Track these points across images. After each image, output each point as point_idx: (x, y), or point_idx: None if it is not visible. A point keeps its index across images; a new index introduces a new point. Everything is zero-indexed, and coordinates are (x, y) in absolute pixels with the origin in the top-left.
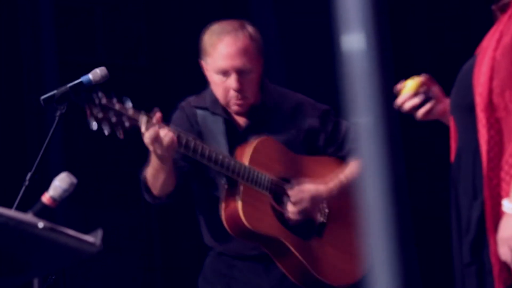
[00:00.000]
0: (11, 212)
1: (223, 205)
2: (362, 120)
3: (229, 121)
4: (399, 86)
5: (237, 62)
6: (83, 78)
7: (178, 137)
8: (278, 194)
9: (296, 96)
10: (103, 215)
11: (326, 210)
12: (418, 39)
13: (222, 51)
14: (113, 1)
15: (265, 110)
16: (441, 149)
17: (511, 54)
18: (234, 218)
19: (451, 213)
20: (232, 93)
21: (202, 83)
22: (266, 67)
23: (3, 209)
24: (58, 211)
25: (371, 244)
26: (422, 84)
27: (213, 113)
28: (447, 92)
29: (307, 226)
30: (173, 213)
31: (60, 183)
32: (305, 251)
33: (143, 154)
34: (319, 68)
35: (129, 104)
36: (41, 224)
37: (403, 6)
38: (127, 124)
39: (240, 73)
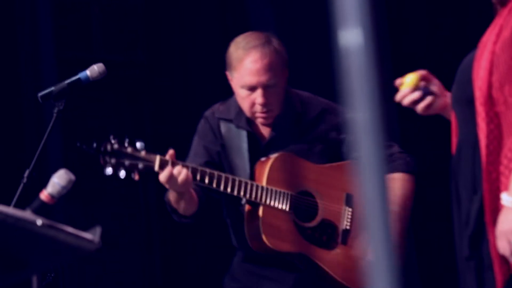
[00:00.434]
0: (9, 210)
1: (245, 226)
2: (360, 115)
3: (252, 134)
4: (398, 81)
5: (263, 78)
6: (80, 75)
7: (192, 171)
8: (300, 210)
9: (320, 102)
10: (101, 212)
11: (350, 216)
12: (416, 34)
13: (248, 67)
14: None
15: (287, 121)
16: (440, 144)
17: (510, 48)
18: (257, 239)
19: (452, 207)
20: (258, 107)
21: (198, 78)
22: None
23: (1, 206)
24: (57, 208)
25: (371, 243)
26: (421, 79)
27: (237, 126)
28: (446, 87)
29: (331, 236)
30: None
31: (58, 180)
32: (331, 261)
33: None
34: (317, 64)
35: (141, 146)
36: (39, 222)
37: (400, 1)
38: (140, 166)
39: (266, 87)
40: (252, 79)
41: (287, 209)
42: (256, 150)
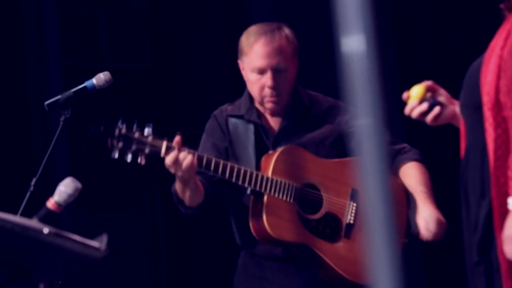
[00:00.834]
0: (16, 218)
1: (250, 215)
2: (364, 121)
3: (260, 127)
4: (405, 95)
5: (273, 61)
6: (87, 83)
7: (198, 158)
8: (304, 202)
9: (328, 99)
10: (108, 220)
11: (354, 211)
12: (421, 40)
13: (258, 50)
14: (117, 5)
15: (297, 114)
16: (446, 149)
17: None
18: (260, 228)
19: (461, 212)
20: (267, 91)
21: (205, 86)
22: None
23: (8, 215)
24: (64, 216)
25: (374, 246)
26: (427, 90)
27: (248, 121)
28: (453, 94)
29: (334, 229)
30: (179, 216)
31: (65, 188)
32: (333, 254)
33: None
34: (319, 70)
35: (149, 131)
36: (46, 230)
37: (405, 7)
38: (147, 150)
39: (276, 71)
40: (262, 62)
41: (291, 200)
42: (265, 143)
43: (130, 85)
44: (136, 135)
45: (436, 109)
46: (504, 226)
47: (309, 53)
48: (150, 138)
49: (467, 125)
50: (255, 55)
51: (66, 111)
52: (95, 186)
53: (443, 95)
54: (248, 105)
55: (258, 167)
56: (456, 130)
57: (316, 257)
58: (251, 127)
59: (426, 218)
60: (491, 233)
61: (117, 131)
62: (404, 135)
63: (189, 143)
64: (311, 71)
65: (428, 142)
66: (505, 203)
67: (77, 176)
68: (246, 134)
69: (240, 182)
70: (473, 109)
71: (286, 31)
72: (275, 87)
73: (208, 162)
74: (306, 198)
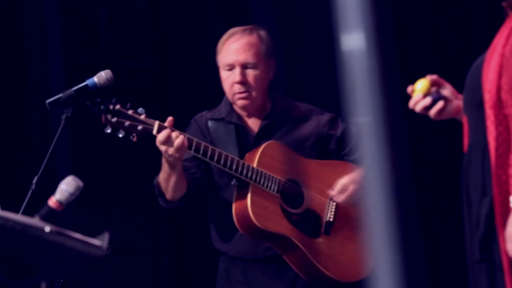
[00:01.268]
0: (18, 216)
1: (233, 205)
2: (364, 119)
3: (241, 127)
4: (409, 88)
5: (241, 56)
6: (88, 81)
7: (188, 139)
8: (287, 195)
9: (305, 105)
10: (110, 219)
11: (334, 209)
12: (422, 38)
13: (228, 47)
14: (118, 3)
15: (275, 116)
16: (448, 147)
17: None
18: (244, 218)
19: (463, 210)
20: (236, 87)
21: (207, 84)
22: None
23: (10, 213)
24: (66, 215)
25: (376, 244)
26: (432, 84)
27: (228, 122)
28: (457, 90)
29: (315, 225)
30: (181, 215)
31: (67, 186)
32: (313, 248)
33: (150, 157)
34: (319, 68)
35: (142, 111)
36: (47, 228)
37: (406, 5)
38: (140, 128)
39: (244, 67)
40: (230, 57)
41: (275, 192)
42: (246, 144)
43: (131, 84)
44: (130, 112)
45: (440, 103)
46: (506, 224)
47: (309, 51)
48: (143, 116)
49: (469, 123)
50: (225, 52)
51: (68, 110)
52: (97, 185)
53: (448, 89)
54: (228, 108)
55: None
56: (458, 128)
57: (297, 251)
58: (232, 127)
59: (343, 183)
60: (493, 231)
61: (111, 106)
62: (406, 133)
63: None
64: (311, 69)
65: (430, 140)
66: (506, 202)
67: (78, 175)
68: (227, 134)
69: (227, 168)
70: (475, 107)
71: (261, 32)
72: (243, 82)
73: (198, 145)
74: (289, 192)
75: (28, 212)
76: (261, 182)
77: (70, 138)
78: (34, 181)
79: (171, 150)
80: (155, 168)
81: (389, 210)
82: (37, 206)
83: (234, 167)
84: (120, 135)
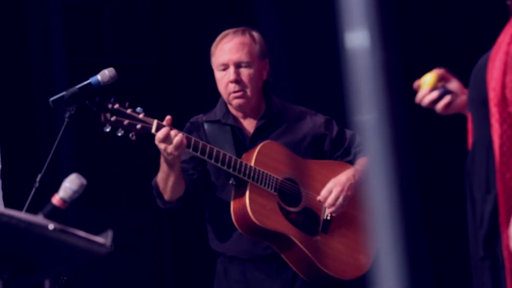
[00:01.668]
0: (22, 214)
1: (232, 204)
2: (368, 117)
3: (237, 129)
4: (416, 83)
5: (234, 56)
6: (91, 79)
7: (187, 137)
8: (284, 194)
9: (299, 107)
10: (113, 216)
11: None
12: (425, 36)
13: (221, 47)
14: (121, 2)
15: (270, 116)
16: (455, 145)
17: None
18: (242, 216)
19: (467, 207)
20: (230, 86)
21: (209, 82)
22: (271, 67)
23: (14, 211)
24: (69, 213)
25: (380, 242)
26: (439, 79)
27: (224, 124)
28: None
29: (312, 223)
30: (183, 214)
31: (70, 184)
32: (312, 246)
33: (152, 155)
34: (324, 66)
35: (141, 110)
36: (51, 226)
37: (409, 2)
38: (138, 126)
39: (238, 66)
40: (224, 57)
41: (273, 191)
42: (242, 143)
43: (134, 82)
44: (129, 111)
45: (447, 98)
46: (510, 222)
47: (313, 49)
48: (142, 115)
49: (474, 121)
50: (219, 52)
51: (71, 108)
52: (100, 183)
53: (455, 84)
54: (224, 110)
55: None
56: (462, 124)
57: (296, 249)
58: (228, 128)
59: (329, 187)
60: (497, 229)
61: (110, 105)
62: (409, 131)
63: None
64: (315, 67)
65: (433, 138)
66: (510, 199)
67: (82, 173)
68: (224, 136)
69: (225, 167)
70: (480, 105)
71: (253, 33)
72: (237, 81)
73: (196, 144)
74: (286, 190)
75: (32, 210)
76: (259, 180)
77: (73, 136)
78: (38, 179)
79: (170, 148)
80: (158, 167)
81: (393, 208)
82: (40, 204)
83: (232, 165)
84: (119, 134)
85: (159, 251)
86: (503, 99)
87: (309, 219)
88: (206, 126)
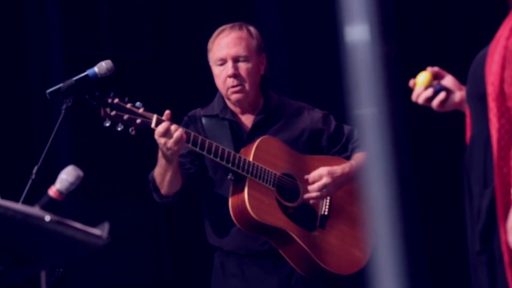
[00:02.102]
0: (18, 206)
1: (230, 199)
2: (367, 111)
3: (235, 123)
4: (411, 82)
5: (232, 50)
6: (88, 71)
7: (186, 132)
8: (282, 189)
9: (297, 102)
10: (110, 208)
11: (328, 203)
12: (423, 31)
13: (218, 43)
14: None
15: (268, 112)
16: (450, 139)
17: None
18: (241, 211)
19: (464, 202)
20: (229, 81)
21: (207, 75)
22: (270, 61)
23: (10, 202)
24: (66, 205)
25: (377, 236)
26: (434, 76)
27: (222, 119)
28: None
29: (310, 219)
30: (180, 207)
31: (67, 176)
32: (310, 241)
33: (149, 148)
34: (323, 60)
35: (140, 105)
36: (47, 217)
37: None
38: (138, 121)
39: (236, 60)
40: (221, 52)
41: (271, 186)
42: (240, 139)
43: (132, 74)
44: (128, 105)
45: (442, 95)
46: (508, 216)
47: (312, 43)
48: (141, 110)
49: (472, 116)
50: (216, 48)
51: (68, 100)
52: (97, 175)
53: (450, 81)
54: (222, 105)
55: None
56: (460, 119)
57: (294, 244)
58: (226, 123)
59: (321, 173)
60: (494, 223)
61: (110, 100)
62: (406, 126)
63: None
64: (314, 61)
65: (430, 134)
66: (508, 193)
67: (78, 165)
68: (222, 130)
69: (224, 162)
70: (478, 99)
71: (250, 27)
72: (235, 75)
73: (195, 139)
74: (284, 186)
75: (28, 202)
76: (258, 176)
77: (70, 128)
78: (34, 171)
79: (170, 143)
80: (155, 159)
81: (390, 203)
82: (37, 195)
83: (231, 160)
84: (119, 129)
85: (155, 245)
86: (501, 93)
87: (307, 214)
88: (204, 120)
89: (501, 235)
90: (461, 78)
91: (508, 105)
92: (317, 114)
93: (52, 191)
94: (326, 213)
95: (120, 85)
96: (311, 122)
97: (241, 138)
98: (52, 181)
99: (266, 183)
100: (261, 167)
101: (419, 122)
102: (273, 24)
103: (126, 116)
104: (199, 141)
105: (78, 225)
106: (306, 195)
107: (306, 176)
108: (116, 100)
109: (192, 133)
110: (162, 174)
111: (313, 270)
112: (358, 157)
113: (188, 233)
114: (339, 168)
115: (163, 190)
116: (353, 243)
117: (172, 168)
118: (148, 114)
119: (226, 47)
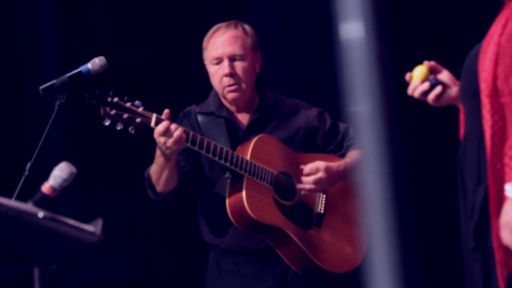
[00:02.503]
0: (11, 202)
1: (227, 198)
2: (362, 108)
3: (231, 121)
4: (407, 76)
5: (228, 49)
6: (82, 68)
7: (185, 131)
8: (279, 188)
9: (292, 99)
10: (104, 205)
11: (324, 201)
12: (418, 27)
13: (214, 41)
14: None
15: (264, 110)
16: (444, 135)
17: None
18: (238, 209)
19: (458, 198)
20: (225, 80)
21: (201, 73)
22: (266, 59)
23: (3, 199)
24: (59, 201)
25: (371, 234)
26: (430, 71)
27: (218, 116)
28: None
29: (306, 217)
30: (174, 203)
31: (60, 172)
32: (306, 240)
33: (143, 145)
34: (318, 57)
35: (139, 104)
36: (41, 214)
37: None
38: (138, 120)
39: (232, 59)
40: (217, 51)
41: (268, 184)
42: (236, 137)
43: (126, 71)
44: (128, 104)
45: (438, 89)
46: (502, 212)
47: (307, 40)
48: (141, 109)
49: (466, 112)
50: (212, 46)
51: (61, 96)
52: (90, 171)
53: (446, 75)
54: (217, 102)
55: None
56: (454, 115)
57: (291, 243)
58: (222, 121)
59: (318, 166)
60: (487, 219)
61: (109, 99)
62: (399, 123)
63: None
64: (310, 58)
65: (425, 128)
66: (501, 190)
67: (72, 161)
68: (218, 128)
69: (222, 161)
70: (471, 96)
71: (245, 26)
72: (232, 74)
73: (194, 138)
74: (281, 184)
75: (21, 198)
76: (255, 174)
77: (63, 124)
78: (28, 167)
79: (169, 142)
80: (150, 158)
81: (385, 199)
82: (30, 192)
83: (229, 159)
84: (119, 128)
85: (149, 241)
86: (494, 90)
87: (303, 213)
88: (199, 118)
89: (493, 231)
90: (455, 75)
91: (501, 101)
92: (313, 112)
93: (45, 188)
94: (322, 211)
95: (114, 82)
96: (306, 120)
97: (237, 136)
98: (45, 177)
99: (264, 181)
100: (259, 166)
101: (413, 119)
102: (268, 22)
103: (125, 115)
104: (198, 140)
105: (71, 221)
106: (299, 186)
107: (302, 166)
108: (115, 99)
109: (191, 132)
110: (159, 172)
111: (309, 268)
112: (352, 155)
113: (183, 230)
114: (335, 165)
115: (159, 188)
116: (348, 241)
117: (169, 167)
118: (147, 113)
119: (222, 46)
